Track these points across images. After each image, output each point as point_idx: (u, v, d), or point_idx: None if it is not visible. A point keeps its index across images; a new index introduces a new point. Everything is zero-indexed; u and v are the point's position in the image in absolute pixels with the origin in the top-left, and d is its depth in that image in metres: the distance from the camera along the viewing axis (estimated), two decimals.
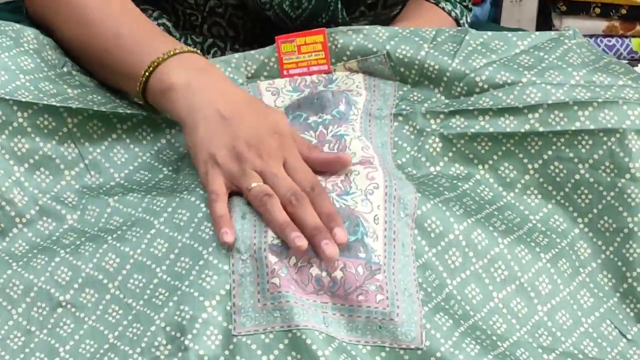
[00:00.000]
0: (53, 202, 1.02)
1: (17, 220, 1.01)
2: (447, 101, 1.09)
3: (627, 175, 1.04)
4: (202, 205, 0.98)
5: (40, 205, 1.01)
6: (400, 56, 1.11)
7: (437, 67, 1.10)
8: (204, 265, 0.94)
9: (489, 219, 1.02)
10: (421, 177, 1.05)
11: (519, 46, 1.12)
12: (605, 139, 1.04)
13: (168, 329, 0.92)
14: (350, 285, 0.93)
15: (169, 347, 0.92)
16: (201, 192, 0.99)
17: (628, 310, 1.04)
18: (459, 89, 1.09)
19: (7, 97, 1.00)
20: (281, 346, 0.91)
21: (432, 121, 1.07)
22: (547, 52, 1.11)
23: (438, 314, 0.95)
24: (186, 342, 0.91)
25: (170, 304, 0.93)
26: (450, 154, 1.06)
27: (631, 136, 1.04)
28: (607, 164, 1.04)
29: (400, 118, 1.08)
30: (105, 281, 0.97)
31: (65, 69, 1.09)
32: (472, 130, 1.06)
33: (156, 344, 0.92)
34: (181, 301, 0.93)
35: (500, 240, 1.01)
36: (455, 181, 1.04)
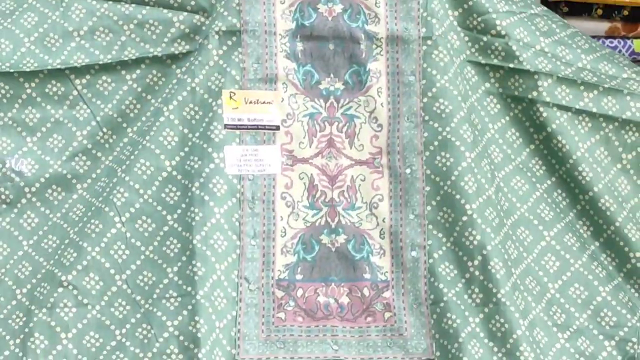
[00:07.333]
0: (64, 169, 1.02)
1: (27, 190, 1.01)
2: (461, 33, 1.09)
3: (619, 165, 1.06)
4: (216, 209, 0.99)
5: (51, 173, 1.02)
6: None
7: None
8: (217, 283, 0.97)
9: (497, 194, 1.03)
10: (449, 120, 1.04)
11: (534, 8, 1.15)
12: (604, 124, 1.05)
13: (181, 338, 0.96)
14: (357, 309, 0.96)
15: (180, 356, 0.95)
16: (213, 189, 0.99)
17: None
18: (475, 22, 1.09)
19: (12, 70, 1.00)
20: None
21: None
22: (560, 27, 1.13)
23: (446, 317, 0.97)
24: (199, 355, 0.95)
25: (185, 312, 0.96)
26: (465, 110, 1.06)
27: (629, 127, 1.05)
28: (601, 149, 1.05)
29: (429, 43, 1.07)
30: (112, 271, 0.99)
31: None
32: (482, 88, 1.06)
33: (168, 351, 0.96)
34: (196, 312, 0.96)
35: (505, 222, 1.02)
36: (476, 132, 1.05)
